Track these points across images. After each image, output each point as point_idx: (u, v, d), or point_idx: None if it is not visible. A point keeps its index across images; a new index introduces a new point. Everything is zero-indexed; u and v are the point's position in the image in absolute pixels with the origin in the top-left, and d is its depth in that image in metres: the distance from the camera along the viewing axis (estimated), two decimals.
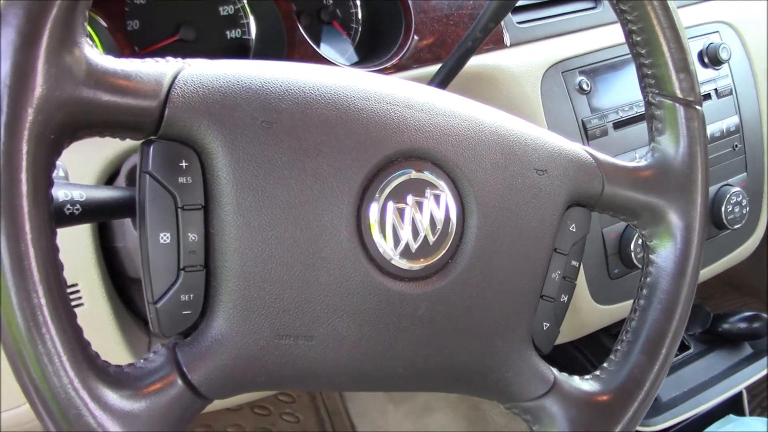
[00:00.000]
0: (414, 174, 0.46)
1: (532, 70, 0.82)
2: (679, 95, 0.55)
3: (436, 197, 0.46)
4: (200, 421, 1.37)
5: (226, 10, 0.79)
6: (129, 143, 0.64)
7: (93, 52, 0.38)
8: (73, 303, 0.60)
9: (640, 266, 0.85)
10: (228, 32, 0.79)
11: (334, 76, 0.46)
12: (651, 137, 0.57)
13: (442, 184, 0.47)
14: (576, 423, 0.52)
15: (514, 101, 0.80)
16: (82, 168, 0.62)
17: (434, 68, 0.79)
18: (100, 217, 0.50)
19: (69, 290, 0.59)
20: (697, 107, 0.55)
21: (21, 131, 0.35)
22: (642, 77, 0.56)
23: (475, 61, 0.76)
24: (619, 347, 0.55)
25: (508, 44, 0.83)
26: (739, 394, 1.10)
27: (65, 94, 0.37)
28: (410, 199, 0.46)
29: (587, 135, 0.83)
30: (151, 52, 0.73)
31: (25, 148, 0.35)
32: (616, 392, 0.53)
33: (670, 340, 0.54)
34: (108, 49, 0.70)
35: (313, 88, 0.45)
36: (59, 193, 0.48)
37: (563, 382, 0.53)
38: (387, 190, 0.45)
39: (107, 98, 0.38)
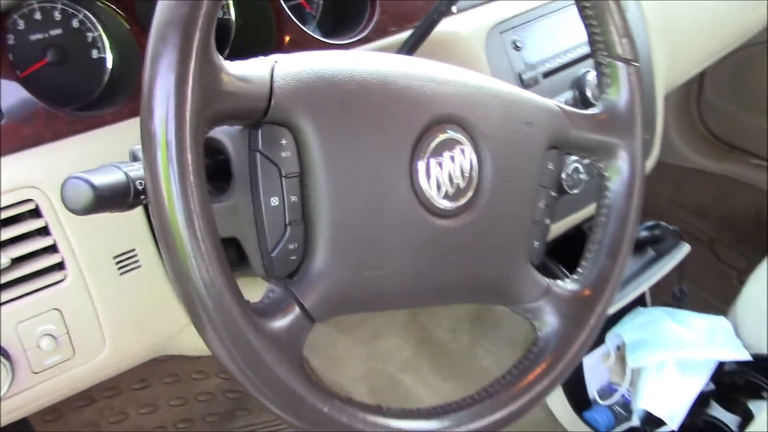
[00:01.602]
0: (444, 135, 0.59)
1: (477, 33, 0.96)
2: (622, 56, 0.71)
3: (462, 151, 0.60)
4: (167, 371, 1.45)
5: None
6: None
7: (221, 61, 0.49)
8: (131, 266, 0.70)
9: (569, 192, 1.02)
10: None
11: (381, 61, 0.58)
12: (600, 89, 0.73)
13: (464, 140, 0.61)
14: (566, 315, 0.68)
15: (465, 62, 0.93)
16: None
17: (397, 38, 0.91)
18: None
19: (128, 255, 0.69)
20: (636, 64, 0.71)
21: (185, 124, 0.45)
22: (593, 42, 0.72)
23: None
24: (588, 255, 0.72)
25: (455, 11, 0.96)
26: (644, 293, 1.33)
27: (211, 95, 0.47)
28: (445, 154, 0.59)
29: (523, 85, 0.98)
30: None
31: (188, 137, 0.46)
32: (592, 287, 0.70)
33: (627, 245, 0.71)
34: None
35: (368, 73, 0.57)
36: None
37: (553, 286, 0.68)
38: (429, 149, 0.58)
39: (237, 96, 0.49)
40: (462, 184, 0.60)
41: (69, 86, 0.77)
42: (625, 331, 1.25)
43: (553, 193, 0.69)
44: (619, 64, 0.71)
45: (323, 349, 1.53)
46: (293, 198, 0.54)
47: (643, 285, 1.20)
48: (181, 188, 0.45)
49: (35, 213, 0.67)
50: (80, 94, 0.77)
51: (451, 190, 0.60)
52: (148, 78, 0.46)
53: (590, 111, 0.71)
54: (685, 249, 1.25)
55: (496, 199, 0.63)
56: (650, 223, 1.25)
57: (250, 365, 0.49)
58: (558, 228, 1.08)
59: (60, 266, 0.69)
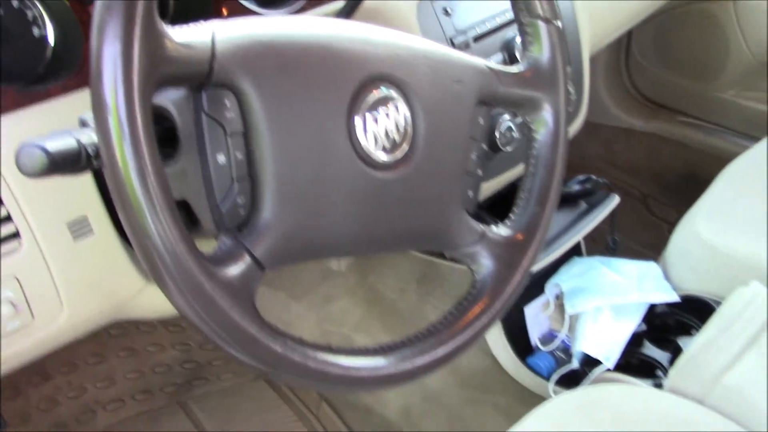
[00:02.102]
0: (378, 92, 0.64)
1: (409, 1, 1.00)
2: (542, 15, 0.76)
3: (396, 107, 0.65)
4: (122, 345, 1.48)
5: None
6: None
7: (165, 27, 0.52)
8: (84, 232, 0.73)
9: (503, 149, 1.08)
10: None
11: (319, 25, 0.62)
12: (524, 47, 0.78)
13: (398, 96, 0.65)
14: (500, 257, 0.73)
15: (399, 28, 0.97)
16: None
17: (332, 6, 0.95)
18: None
19: (80, 222, 0.72)
20: (556, 23, 0.77)
21: (132, 88, 0.49)
22: (515, 4, 0.76)
23: None
24: (519, 203, 0.77)
25: None
26: (579, 242, 1.40)
27: (156, 60, 0.50)
28: (381, 110, 0.63)
29: (455, 48, 1.03)
30: None
31: (137, 101, 0.49)
32: (524, 232, 0.75)
33: (554, 192, 0.77)
34: None
35: (306, 36, 0.61)
36: None
37: (488, 231, 0.74)
38: (364, 106, 0.63)
39: (179, 60, 0.52)
40: (397, 138, 0.65)
41: (13, 64, 0.78)
42: (563, 280, 1.32)
43: (484, 146, 0.74)
44: (540, 23, 0.76)
45: (277, 314, 1.57)
46: (239, 155, 0.58)
47: (578, 235, 1.27)
48: (133, 149, 0.49)
49: None
50: (25, 71, 0.79)
51: (387, 144, 0.64)
52: (95, 46, 0.49)
53: (515, 69, 0.76)
54: (615, 200, 1.33)
55: (429, 152, 0.67)
56: (582, 177, 1.32)
57: (206, 311, 0.53)
58: (493, 185, 1.13)
59: (15, 236, 0.71)
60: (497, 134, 1.06)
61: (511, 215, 0.77)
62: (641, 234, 1.89)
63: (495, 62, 0.76)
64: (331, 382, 0.60)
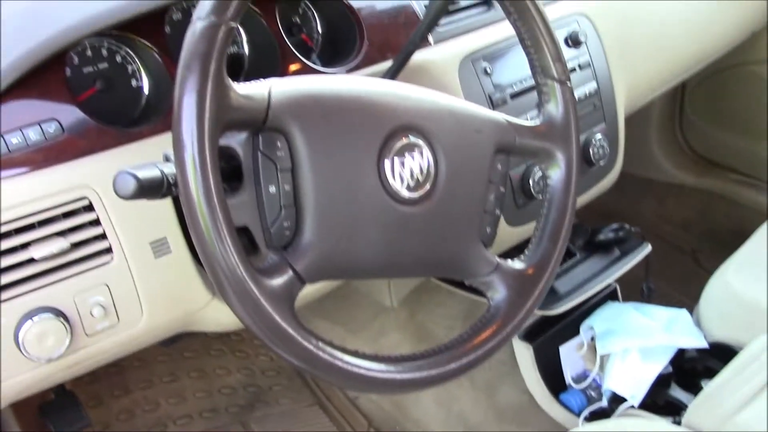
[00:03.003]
0: (406, 139, 0.76)
1: (451, 61, 1.13)
2: (557, 77, 0.88)
3: (420, 152, 0.77)
4: (194, 367, 1.63)
5: None
6: None
7: (231, 82, 0.66)
8: (164, 251, 0.88)
9: (536, 197, 1.19)
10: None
11: (357, 82, 0.76)
12: (541, 104, 0.89)
13: (422, 144, 0.77)
14: (513, 287, 0.83)
15: (441, 85, 1.10)
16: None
17: (382, 66, 1.09)
18: None
19: (161, 242, 0.87)
20: (568, 83, 0.88)
21: (204, 131, 0.63)
22: (532, 66, 0.88)
23: (412, 57, 1.06)
24: (533, 240, 0.88)
25: (432, 43, 1.14)
26: (614, 286, 1.48)
27: (224, 109, 0.65)
28: (407, 155, 0.76)
29: (493, 105, 1.15)
30: None
31: (207, 141, 0.63)
32: (535, 266, 0.85)
33: (565, 231, 0.87)
34: None
35: (347, 91, 0.74)
36: None
37: (502, 264, 0.84)
38: (393, 151, 0.75)
39: (242, 109, 0.66)
40: (421, 178, 0.77)
41: (114, 108, 0.95)
42: (596, 322, 1.39)
43: (502, 188, 0.86)
44: (555, 84, 0.88)
45: None
46: (287, 187, 0.71)
47: (609, 278, 1.35)
48: (202, 179, 0.63)
49: (89, 208, 0.85)
50: (123, 115, 0.96)
51: (412, 183, 0.76)
52: (177, 97, 0.63)
53: (532, 122, 0.88)
54: (647, 248, 1.40)
55: (449, 191, 0.79)
56: (615, 225, 1.40)
57: (254, 312, 0.66)
58: (530, 229, 1.23)
59: (108, 251, 0.86)
60: (531, 182, 1.18)
61: (525, 251, 0.88)
62: (689, 287, 1.93)
63: (530, 117, 0.87)
64: (352, 380, 0.71)
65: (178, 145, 0.63)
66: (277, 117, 0.69)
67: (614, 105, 1.34)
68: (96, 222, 0.85)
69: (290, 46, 1.03)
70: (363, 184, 0.74)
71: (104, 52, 0.95)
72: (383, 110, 0.75)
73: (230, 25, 0.65)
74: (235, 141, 0.71)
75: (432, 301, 1.69)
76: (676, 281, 1.74)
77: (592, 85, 1.29)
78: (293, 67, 1.03)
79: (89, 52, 0.94)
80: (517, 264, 0.85)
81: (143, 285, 0.88)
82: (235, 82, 0.67)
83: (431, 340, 1.65)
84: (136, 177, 0.68)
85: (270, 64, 1.04)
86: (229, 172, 0.72)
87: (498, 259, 0.84)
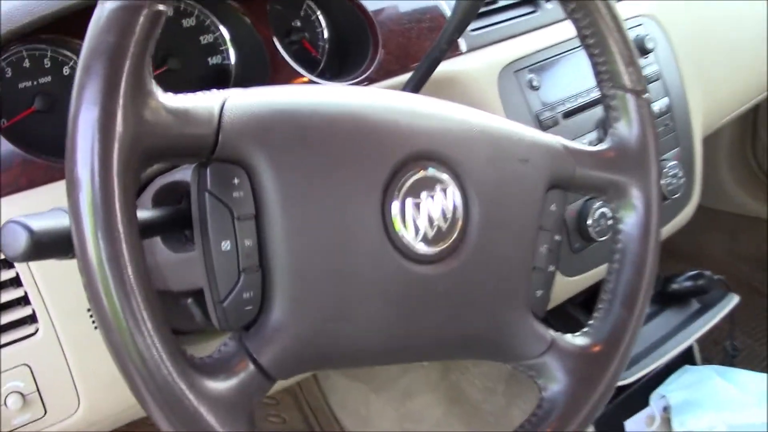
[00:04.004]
0: (423, 173, 0.54)
1: (489, 71, 0.92)
2: (629, 86, 0.65)
3: (444, 191, 0.55)
4: None
5: (206, 39, 0.85)
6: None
7: (159, 92, 0.45)
8: None
9: (597, 239, 0.95)
10: (209, 59, 0.86)
11: (351, 94, 0.54)
12: (608, 123, 0.67)
13: (446, 178, 0.55)
14: (574, 372, 0.61)
15: (475, 101, 0.88)
16: None
17: (401, 78, 0.87)
18: (146, 235, 0.56)
19: None
20: (645, 95, 0.65)
21: (111, 164, 0.42)
22: (597, 73, 0.66)
23: (438, 68, 0.84)
24: (600, 306, 0.65)
25: (464, 50, 0.92)
26: (691, 347, 1.23)
27: (143, 130, 0.43)
28: (423, 194, 0.54)
29: (541, 126, 0.93)
30: None
31: (116, 177, 0.42)
32: (605, 343, 0.62)
33: (644, 294, 0.64)
34: None
35: (335, 105, 0.52)
36: None
37: (559, 340, 0.61)
38: (404, 189, 0.53)
39: (175, 130, 0.45)
40: (444, 227, 0.55)
41: (54, 134, 0.75)
42: (671, 391, 1.16)
43: (557, 237, 0.63)
44: (627, 95, 0.65)
45: (355, 409, 1.48)
46: (248, 242, 0.49)
47: (688, 339, 1.12)
48: (108, 241, 0.42)
49: (6, 263, 0.64)
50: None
51: (431, 233, 0.54)
52: (72, 113, 0.42)
53: (597, 147, 0.65)
54: (733, 300, 1.17)
55: (485, 244, 0.57)
56: (693, 272, 1.17)
57: (186, 429, 0.44)
58: (588, 279, 1.00)
59: (31, 319, 0.66)
60: (589, 221, 0.95)
61: (591, 321, 0.65)
62: None
63: (589, 142, 0.65)
64: None
65: (72, 185, 0.42)
66: (232, 143, 0.48)
67: (689, 126, 1.11)
68: (16, 281, 0.65)
69: (283, 54, 0.82)
70: (360, 236, 0.52)
71: (46, 62, 0.75)
72: (390, 131, 0.54)
73: (156, 7, 0.44)
74: (188, 174, 0.51)
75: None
76: (762, 335, 1.48)
77: (663, 102, 1.07)
78: (285, 80, 0.82)
79: (27, 63, 0.74)
80: (579, 339, 0.62)
81: (79, 364, 0.68)
82: (170, 93, 0.46)
83: (466, 404, 1.41)
84: (29, 229, 0.48)
85: (259, 79, 0.83)
86: (186, 216, 0.52)
87: (553, 333, 0.61)
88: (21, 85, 0.74)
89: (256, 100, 0.50)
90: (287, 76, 0.82)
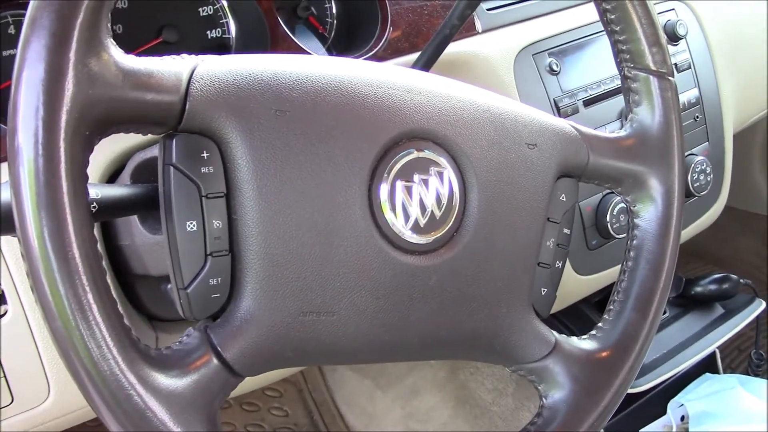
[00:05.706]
0: (417, 153, 0.49)
1: (505, 54, 0.86)
2: (653, 67, 0.59)
3: (440, 174, 0.49)
4: None
5: (205, 10, 0.80)
6: (132, 141, 0.66)
7: (117, 52, 0.40)
8: None
9: (616, 236, 0.89)
10: (209, 32, 0.81)
11: (340, 65, 0.49)
12: (628, 108, 0.61)
13: (443, 161, 0.50)
14: (578, 379, 0.55)
15: (490, 84, 0.83)
16: None
17: (411, 57, 0.82)
18: (115, 214, 0.52)
19: None
20: (670, 78, 0.59)
21: (57, 129, 0.37)
22: (617, 53, 0.60)
23: (451, 49, 0.79)
24: (611, 307, 0.59)
25: (480, 30, 0.87)
26: (714, 354, 1.16)
27: (96, 93, 0.39)
28: (416, 177, 0.49)
29: (560, 113, 0.87)
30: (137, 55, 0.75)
31: (62, 145, 0.37)
32: (614, 348, 0.57)
33: (659, 296, 0.58)
34: None
35: (321, 77, 0.47)
36: None
37: (564, 343, 0.56)
38: (394, 170, 0.48)
39: (134, 95, 0.40)
40: (438, 214, 0.49)
41: None
42: (690, 400, 1.10)
43: (567, 231, 0.58)
44: (650, 77, 0.59)
45: (361, 406, 1.43)
46: (216, 223, 0.44)
47: (710, 346, 1.06)
48: (50, 216, 0.37)
49: None
50: None
51: (422, 221, 0.49)
52: (15, 73, 0.38)
53: (615, 134, 0.59)
54: (760, 306, 1.10)
55: (484, 234, 0.51)
56: (718, 275, 1.11)
57: (135, 427, 0.40)
58: (604, 278, 0.94)
59: (0, 299, 0.61)
60: (608, 216, 0.89)
61: (599, 324, 0.59)
62: None
63: (611, 131, 0.60)
64: None
65: (11, 152, 0.37)
66: (201, 112, 0.43)
67: (720, 119, 1.04)
68: None
69: (284, 27, 0.77)
70: (343, 221, 0.47)
71: (11, 30, 0.71)
72: (383, 107, 0.48)
73: None
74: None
75: None
76: None
77: (693, 93, 1.00)
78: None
79: (12, 30, 0.70)
80: (585, 343, 0.57)
81: (50, 350, 0.64)
82: (132, 55, 0.41)
83: (474, 404, 1.35)
84: None
85: (257, 51, 0.78)
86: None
87: (557, 336, 0.56)
88: (5, 53, 0.70)
89: (231, 67, 0.45)
90: (287, 50, 0.77)
